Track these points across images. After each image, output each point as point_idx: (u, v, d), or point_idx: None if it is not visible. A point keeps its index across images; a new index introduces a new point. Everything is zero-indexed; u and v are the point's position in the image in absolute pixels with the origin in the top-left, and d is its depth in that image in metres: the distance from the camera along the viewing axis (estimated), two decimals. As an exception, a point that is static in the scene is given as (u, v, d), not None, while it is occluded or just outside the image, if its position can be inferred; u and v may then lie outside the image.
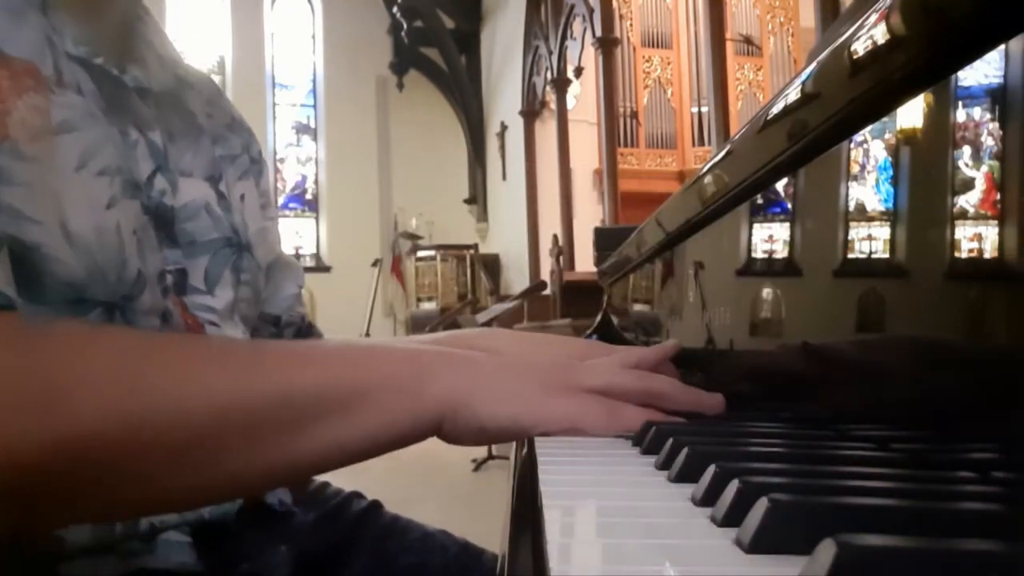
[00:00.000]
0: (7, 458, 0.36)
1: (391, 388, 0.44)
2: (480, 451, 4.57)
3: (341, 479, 0.79)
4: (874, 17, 0.37)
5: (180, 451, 0.40)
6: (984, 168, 0.32)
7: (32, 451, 0.36)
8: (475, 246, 9.99)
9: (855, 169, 0.42)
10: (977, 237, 0.32)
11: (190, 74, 0.66)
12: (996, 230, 0.31)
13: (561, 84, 7.54)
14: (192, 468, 0.41)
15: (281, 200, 10.95)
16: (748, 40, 9.01)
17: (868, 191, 0.41)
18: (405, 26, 9.85)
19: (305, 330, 0.75)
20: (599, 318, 1.32)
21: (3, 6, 0.47)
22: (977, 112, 0.32)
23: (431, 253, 9.58)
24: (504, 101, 9.43)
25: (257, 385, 0.42)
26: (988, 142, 0.32)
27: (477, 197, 10.67)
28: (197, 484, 0.42)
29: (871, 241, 0.41)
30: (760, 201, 0.57)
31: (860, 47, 0.38)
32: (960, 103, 0.33)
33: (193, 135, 0.62)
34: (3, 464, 0.36)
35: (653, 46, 9.10)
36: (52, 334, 0.40)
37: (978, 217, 0.32)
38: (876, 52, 0.37)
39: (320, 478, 0.77)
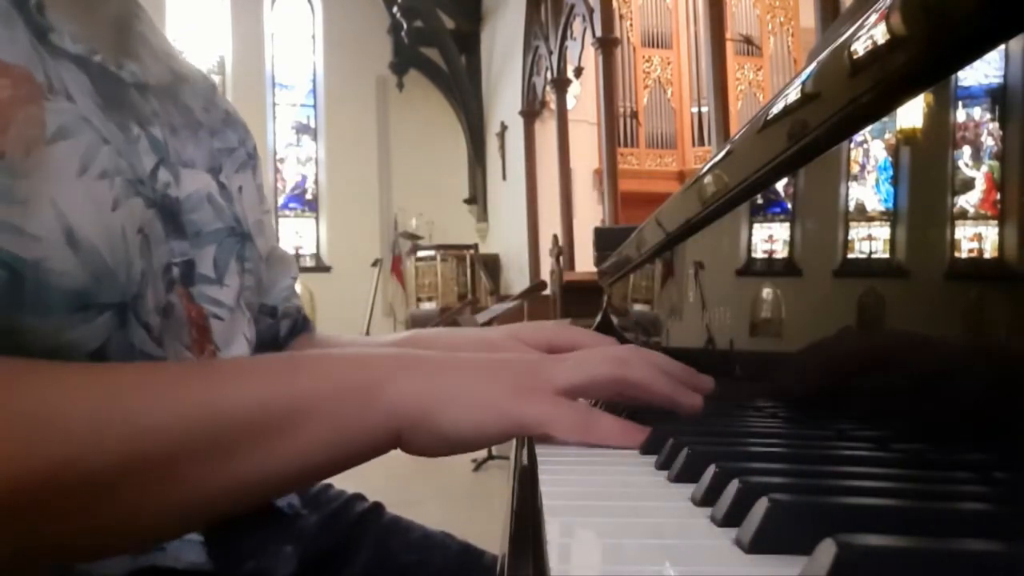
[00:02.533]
0: None
1: (338, 400, 0.41)
2: (480, 451, 4.57)
3: (343, 481, 0.80)
4: (874, 17, 0.37)
5: (107, 487, 0.37)
6: (984, 168, 0.32)
7: None
8: (475, 246, 9.99)
9: (855, 169, 0.42)
10: (977, 237, 0.32)
11: (185, 69, 0.66)
12: (996, 230, 0.31)
13: (561, 84, 7.54)
14: (125, 503, 0.38)
15: (281, 200, 10.95)
16: (748, 40, 9.01)
17: (868, 191, 0.41)
18: (405, 26, 9.85)
19: (301, 323, 0.76)
20: (599, 318, 1.32)
21: None
22: (977, 112, 0.32)
23: (431, 253, 9.59)
24: (504, 101, 9.43)
25: (175, 411, 0.39)
26: (988, 142, 0.32)
27: (477, 197, 10.67)
28: (133, 521, 0.39)
29: (871, 241, 0.41)
30: (760, 201, 0.57)
31: (860, 47, 0.38)
32: (960, 103, 0.33)
33: (192, 128, 0.62)
34: None
35: (653, 46, 9.10)
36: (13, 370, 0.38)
37: (978, 217, 0.32)
38: (876, 52, 0.37)
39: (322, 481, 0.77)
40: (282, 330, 0.73)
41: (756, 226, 0.58)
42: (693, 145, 8.91)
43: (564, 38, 7.31)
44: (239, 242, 0.61)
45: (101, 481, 0.36)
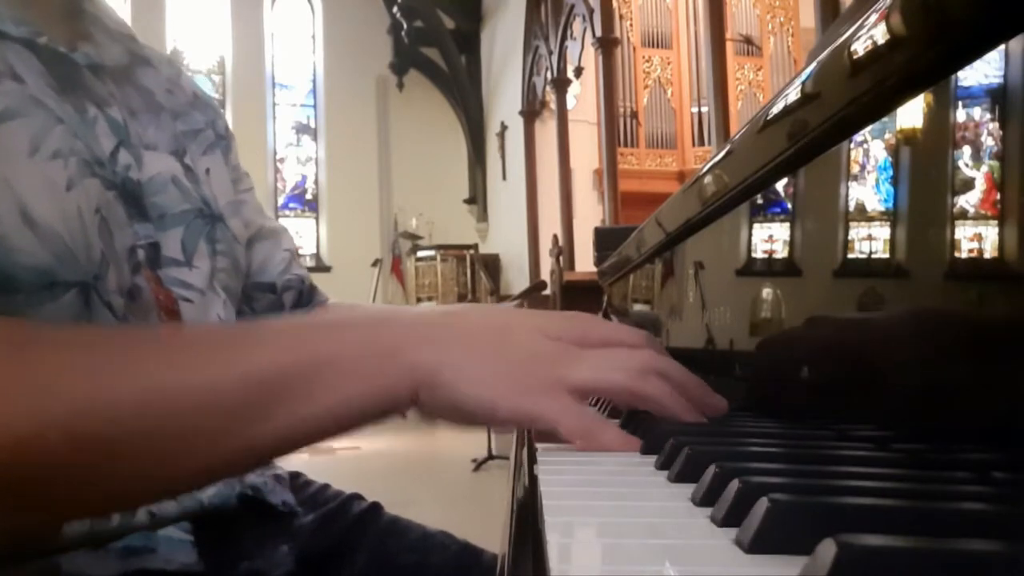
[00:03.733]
0: None
1: (356, 361, 0.41)
2: (480, 451, 4.57)
3: (342, 480, 0.79)
4: (874, 17, 0.37)
5: (108, 452, 0.37)
6: (984, 168, 0.32)
7: None
8: (475, 246, 9.99)
9: (855, 169, 0.42)
10: (977, 237, 0.32)
11: (146, 51, 0.65)
12: (996, 230, 0.31)
13: (561, 84, 7.54)
14: (135, 465, 0.37)
15: (281, 200, 10.95)
16: (748, 40, 9.00)
17: (868, 191, 0.41)
18: (405, 26, 9.85)
19: (307, 293, 0.75)
20: (599, 318, 1.32)
21: None
22: (977, 112, 0.32)
23: (431, 253, 9.58)
24: (504, 101, 9.43)
25: (191, 375, 0.39)
26: (988, 142, 0.32)
27: (477, 197, 10.67)
28: (144, 481, 0.38)
29: (871, 241, 0.41)
30: (760, 201, 0.57)
31: (860, 47, 0.38)
32: (960, 103, 0.33)
33: (153, 110, 0.62)
34: None
35: (653, 46, 9.10)
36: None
37: (978, 217, 0.32)
38: (876, 52, 0.37)
39: (321, 480, 0.77)
40: (287, 303, 0.72)
41: (756, 226, 0.58)
42: (693, 145, 8.91)
43: (564, 38, 7.31)
44: (208, 223, 0.61)
45: (121, 440, 0.36)
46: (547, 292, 6.17)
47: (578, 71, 7.44)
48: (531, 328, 0.46)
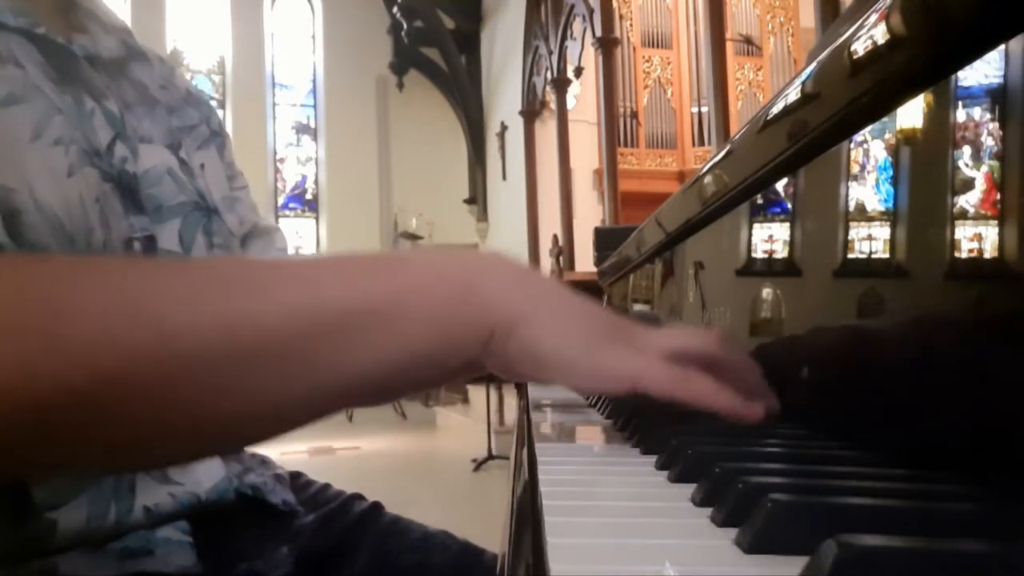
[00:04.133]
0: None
1: (434, 297, 0.38)
2: (480, 451, 4.57)
3: (342, 480, 0.79)
4: (874, 17, 0.37)
5: (195, 380, 0.35)
6: (984, 168, 0.32)
7: (30, 384, 0.31)
8: (475, 246, 9.98)
9: (855, 169, 0.42)
10: (977, 237, 0.32)
11: (141, 46, 0.66)
12: (996, 230, 0.31)
13: (561, 84, 7.54)
14: (209, 400, 0.35)
15: (281, 200, 10.95)
16: (748, 40, 9.00)
17: (868, 191, 0.41)
18: (405, 26, 9.85)
19: None
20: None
21: None
22: (977, 112, 0.32)
23: (431, 253, 9.57)
24: (504, 101, 9.43)
25: (275, 303, 0.36)
26: (988, 142, 0.32)
27: (477, 197, 10.67)
28: (215, 419, 0.36)
29: (871, 241, 0.41)
30: (760, 201, 0.57)
31: (860, 47, 0.38)
32: (960, 103, 0.33)
33: (148, 104, 0.62)
34: None
35: (653, 46, 9.10)
36: (47, 260, 0.36)
37: (978, 217, 0.32)
38: (876, 52, 0.37)
39: (322, 480, 0.77)
40: None
41: (756, 226, 0.58)
42: (693, 145, 8.91)
43: (564, 38, 7.31)
44: (204, 216, 0.61)
45: (193, 371, 0.34)
46: (547, 292, 6.15)
47: (578, 71, 7.44)
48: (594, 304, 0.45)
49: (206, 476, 0.54)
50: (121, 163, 0.55)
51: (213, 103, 10.75)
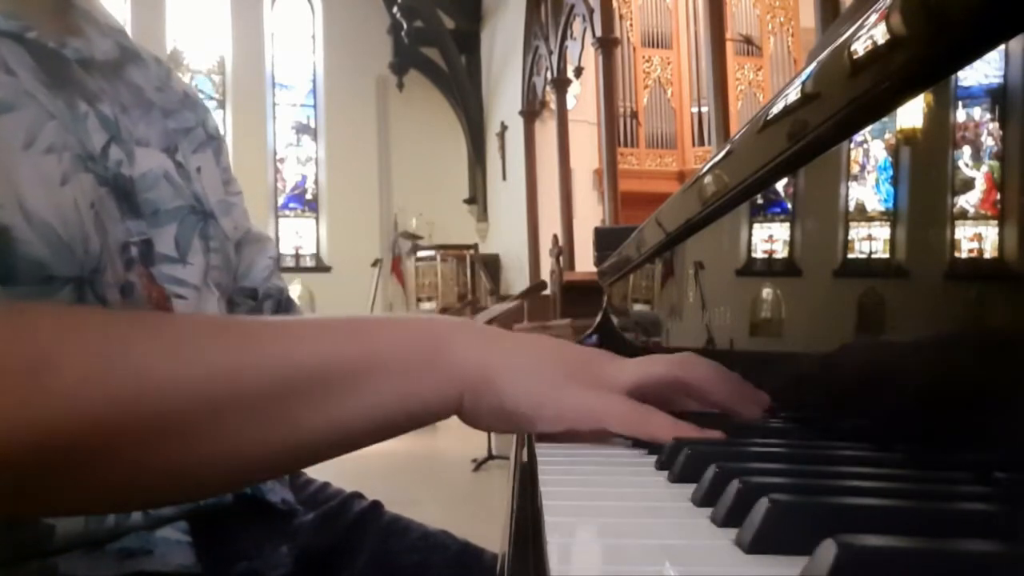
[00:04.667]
0: None
1: (405, 359, 0.41)
2: (480, 451, 4.57)
3: (342, 480, 0.79)
4: (874, 17, 0.37)
5: (173, 429, 0.36)
6: (984, 168, 0.32)
7: (14, 432, 0.33)
8: (475, 246, 10.00)
9: (855, 169, 0.42)
10: (977, 237, 0.32)
11: (136, 48, 0.65)
12: (996, 230, 0.31)
13: (561, 84, 7.54)
14: (185, 449, 0.37)
15: (281, 200, 10.96)
16: (748, 40, 9.00)
17: (868, 191, 0.41)
18: (405, 26, 9.86)
19: (285, 303, 0.75)
20: (599, 318, 1.32)
21: None
22: (977, 112, 0.32)
23: (431, 253, 9.59)
24: (504, 101, 9.43)
25: (254, 359, 0.39)
26: (988, 142, 0.32)
27: (477, 197, 10.67)
28: (190, 468, 0.38)
29: (871, 241, 0.41)
30: (760, 201, 0.57)
31: (860, 47, 0.38)
32: (960, 103, 0.33)
33: (143, 107, 0.61)
34: None
35: (653, 46, 9.10)
36: (33, 311, 0.38)
37: (978, 217, 0.32)
38: (876, 52, 0.37)
39: (321, 479, 0.77)
40: (265, 311, 0.73)
41: (756, 226, 0.58)
42: (693, 145, 8.91)
43: (564, 38, 7.31)
44: (201, 220, 0.61)
45: (174, 420, 0.36)
46: (547, 292, 6.17)
47: (578, 71, 7.44)
48: (562, 342, 0.47)
49: None
50: (116, 167, 0.54)
51: (213, 103, 10.72)
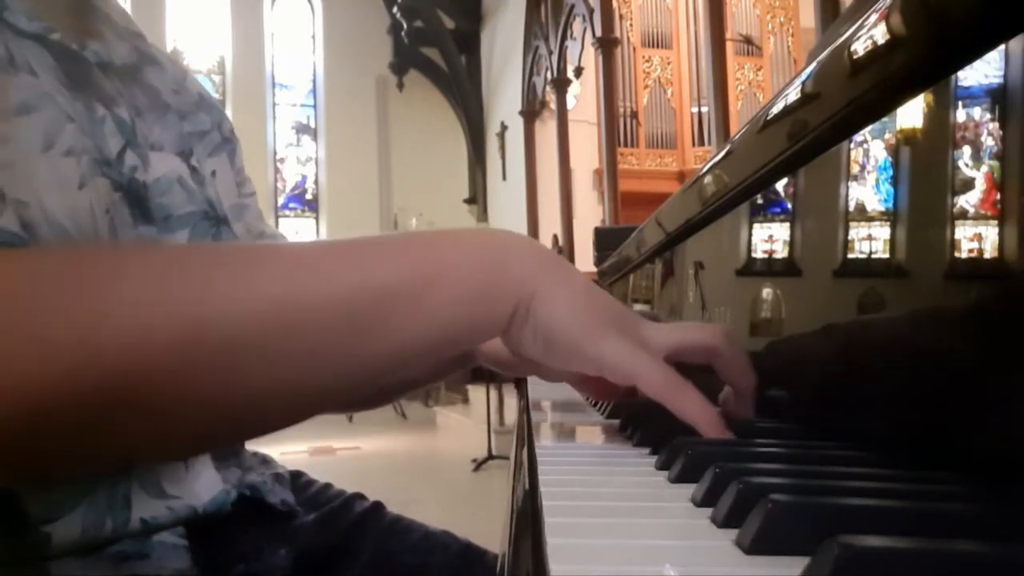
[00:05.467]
0: (39, 392, 0.31)
1: (467, 277, 0.40)
2: (480, 451, 4.57)
3: (343, 479, 0.79)
4: (874, 17, 0.37)
5: (238, 365, 0.35)
6: (984, 168, 0.32)
7: (80, 371, 0.32)
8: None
9: (855, 169, 0.42)
10: (977, 237, 0.32)
11: (153, 50, 0.65)
12: (996, 230, 0.31)
13: (561, 84, 7.54)
14: (252, 379, 0.36)
15: (281, 200, 10.96)
16: (748, 40, 9.01)
17: (868, 191, 0.41)
18: (405, 26, 9.86)
19: None
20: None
21: None
22: (977, 112, 0.32)
23: (431, 253, 9.57)
24: (504, 101, 9.43)
25: (315, 284, 0.37)
26: (988, 142, 0.32)
27: (477, 197, 10.67)
28: (255, 398, 0.37)
29: (871, 241, 0.41)
30: (760, 201, 0.57)
31: (860, 47, 0.38)
32: (960, 103, 0.33)
33: (159, 110, 0.61)
34: (34, 399, 0.31)
35: (653, 46, 9.10)
36: (76, 256, 0.37)
37: (978, 217, 0.32)
38: (876, 52, 0.37)
39: (322, 479, 0.77)
40: None
41: (756, 226, 0.58)
42: (693, 145, 8.91)
43: (564, 38, 7.31)
44: (214, 226, 0.61)
45: (243, 346, 0.35)
46: (547, 292, 6.16)
47: (578, 71, 7.44)
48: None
49: (204, 490, 0.54)
50: (131, 172, 0.54)
51: (213, 103, 10.79)
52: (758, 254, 0.58)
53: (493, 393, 4.99)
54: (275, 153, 10.95)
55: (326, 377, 0.38)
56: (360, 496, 0.74)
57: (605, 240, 1.36)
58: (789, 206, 0.53)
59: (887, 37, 0.36)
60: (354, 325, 0.38)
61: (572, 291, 0.43)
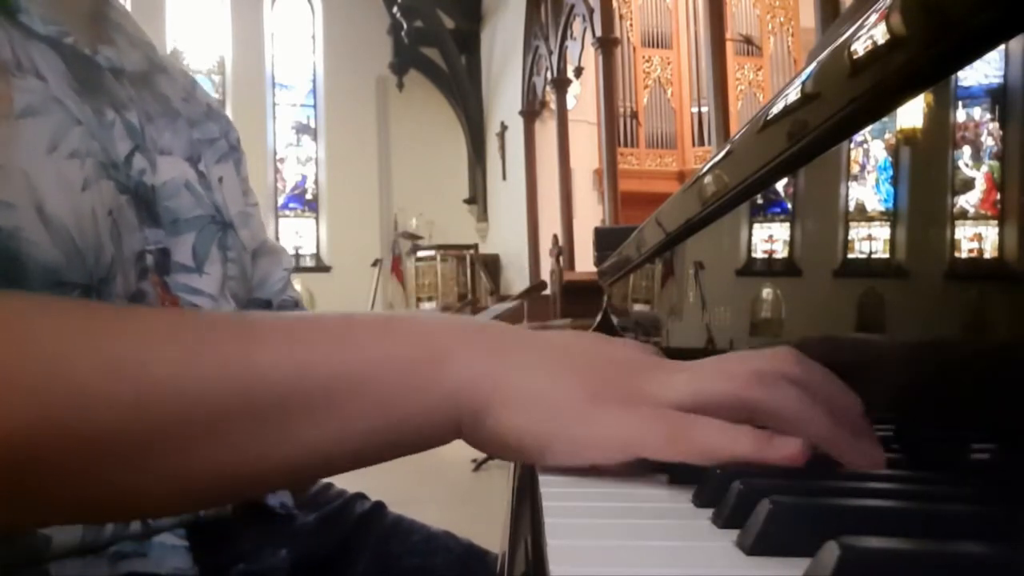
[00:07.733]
0: None
1: (391, 377, 0.34)
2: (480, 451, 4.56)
3: (344, 480, 0.79)
4: (874, 17, 0.37)
5: (109, 448, 0.31)
6: (984, 168, 0.32)
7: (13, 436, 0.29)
8: (475, 246, 10.00)
9: (855, 169, 0.42)
10: (977, 237, 0.32)
11: (164, 60, 0.66)
12: (996, 230, 0.31)
13: (561, 84, 7.55)
14: (125, 469, 0.32)
15: (281, 200, 10.96)
16: (748, 40, 9.01)
17: (868, 191, 0.41)
18: (405, 26, 9.86)
19: None
20: (599, 318, 1.32)
21: None
22: (977, 112, 0.32)
23: (431, 253, 9.59)
24: (504, 101, 9.44)
25: (208, 367, 0.32)
26: (988, 142, 0.32)
27: (477, 197, 10.68)
28: (135, 489, 0.32)
29: (871, 241, 0.41)
30: (760, 201, 0.57)
31: (860, 47, 0.38)
32: (960, 103, 0.33)
33: (169, 116, 0.62)
34: None
35: (653, 46, 9.11)
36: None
37: (978, 217, 0.32)
38: (876, 52, 0.37)
39: (323, 479, 0.77)
40: None
41: (756, 226, 0.58)
42: (693, 145, 8.91)
43: (564, 38, 7.32)
44: (220, 230, 0.61)
45: (110, 440, 0.31)
46: (547, 292, 6.17)
47: (578, 71, 7.45)
48: (602, 338, 0.38)
49: None
50: (139, 175, 0.55)
51: (213, 104, 10.81)
52: (758, 254, 0.58)
53: (493, 393, 4.97)
54: (275, 153, 10.95)
55: (211, 474, 0.33)
56: (362, 496, 0.74)
57: (605, 240, 1.36)
58: (789, 206, 0.53)
59: (887, 37, 0.36)
60: (246, 422, 0.33)
61: (534, 384, 0.34)
